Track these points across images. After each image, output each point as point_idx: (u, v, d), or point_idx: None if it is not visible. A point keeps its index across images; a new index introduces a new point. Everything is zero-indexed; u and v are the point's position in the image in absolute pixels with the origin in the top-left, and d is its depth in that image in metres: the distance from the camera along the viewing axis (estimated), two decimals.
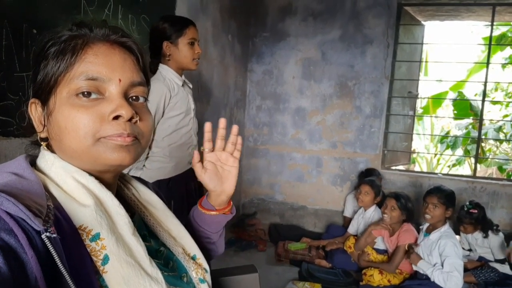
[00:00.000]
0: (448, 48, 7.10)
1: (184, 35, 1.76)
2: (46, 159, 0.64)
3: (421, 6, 3.66)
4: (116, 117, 0.62)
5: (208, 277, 0.78)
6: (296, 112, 3.93)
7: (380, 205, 2.99)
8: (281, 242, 3.37)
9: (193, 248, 0.79)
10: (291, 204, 4.03)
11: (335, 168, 3.88)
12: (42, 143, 0.66)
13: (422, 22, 3.99)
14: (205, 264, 0.79)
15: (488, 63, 3.77)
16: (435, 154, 6.82)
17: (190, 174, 1.95)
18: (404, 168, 4.59)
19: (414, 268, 2.63)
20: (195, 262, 0.78)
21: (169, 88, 1.72)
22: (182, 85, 1.84)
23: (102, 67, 0.62)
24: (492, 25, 3.70)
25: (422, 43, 4.05)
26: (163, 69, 1.76)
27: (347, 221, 3.44)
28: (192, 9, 2.58)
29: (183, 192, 1.87)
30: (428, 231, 2.65)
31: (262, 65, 3.97)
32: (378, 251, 2.89)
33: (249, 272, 1.24)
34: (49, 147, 0.66)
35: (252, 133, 4.09)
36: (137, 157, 0.66)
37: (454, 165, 6.80)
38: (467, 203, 2.92)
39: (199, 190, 2.09)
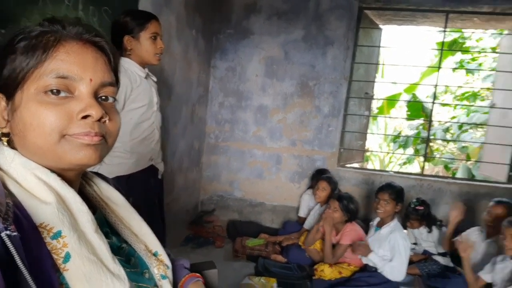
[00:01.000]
0: (404, 52, 7.45)
1: (146, 30, 1.75)
2: (6, 155, 0.63)
3: (380, 10, 3.82)
4: (85, 117, 0.62)
5: (169, 273, 0.80)
6: (258, 109, 3.99)
7: None
8: (239, 238, 3.41)
9: (155, 245, 0.80)
10: (249, 201, 4.09)
11: (293, 165, 3.98)
12: (2, 138, 0.65)
13: (380, 26, 4.18)
14: (166, 261, 0.80)
15: (439, 67, 4.02)
16: (387, 153, 7.17)
17: (151, 171, 1.94)
18: (358, 166, 4.79)
19: (364, 261, 2.79)
20: (157, 258, 0.79)
21: (130, 79, 1.70)
22: (146, 77, 1.82)
23: (73, 65, 0.62)
24: (445, 31, 3.94)
25: (379, 46, 4.24)
26: (125, 62, 1.74)
27: (302, 221, 3.56)
28: (156, 3, 2.55)
29: (142, 190, 1.85)
30: (379, 226, 2.81)
31: (225, 61, 3.98)
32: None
33: (208, 268, 1.27)
34: (10, 143, 0.65)
35: (213, 130, 4.10)
36: (103, 157, 0.67)
37: (404, 163, 7.19)
38: (414, 200, 3.13)
39: (160, 188, 2.08)
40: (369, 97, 4.25)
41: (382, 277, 2.62)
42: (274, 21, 3.85)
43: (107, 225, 0.76)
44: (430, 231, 3.10)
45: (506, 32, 4.35)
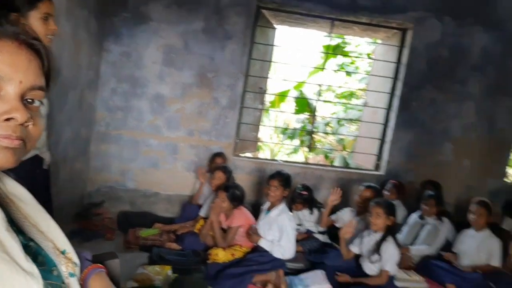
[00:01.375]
0: (294, 52, 8.03)
1: (37, 9, 1.60)
2: None
3: (276, 11, 4.06)
4: (8, 119, 0.60)
5: (77, 270, 0.80)
6: (154, 98, 3.91)
7: None
8: (132, 230, 3.31)
9: (63, 243, 0.79)
10: (143, 191, 4.01)
11: (190, 155, 4.03)
12: None
13: (275, 26, 4.46)
14: (75, 258, 0.80)
15: (323, 68, 4.48)
16: (276, 144, 7.70)
17: (35, 161, 1.80)
18: (251, 156, 5.07)
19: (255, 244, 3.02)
20: (65, 256, 0.78)
21: None
22: None
23: (4, 65, 0.60)
24: (330, 36, 4.41)
25: (273, 45, 4.52)
26: None
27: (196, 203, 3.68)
28: None
29: (27, 181, 1.71)
30: (269, 209, 3.06)
31: (120, 46, 3.79)
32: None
33: (110, 258, 1.28)
34: None
35: (104, 117, 3.88)
36: (19, 161, 0.64)
37: (291, 153, 7.83)
38: (299, 186, 3.49)
39: (46, 179, 1.94)
40: (262, 92, 4.52)
41: (271, 256, 2.87)
42: (174, 9, 3.80)
43: (13, 223, 0.73)
44: (311, 212, 3.50)
45: (379, 41, 5.05)
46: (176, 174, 4.04)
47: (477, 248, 3.12)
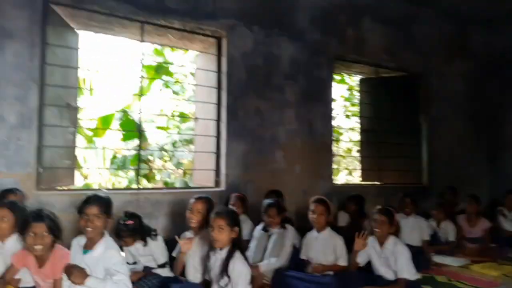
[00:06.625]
0: (112, 68, 7.22)
1: None
2: None
3: (70, 7, 3.47)
4: None
5: None
6: None
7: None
8: None
9: None
10: None
11: None
12: None
13: (76, 30, 3.80)
14: None
15: (141, 94, 4.00)
16: (99, 169, 6.69)
17: None
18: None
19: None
20: None
21: None
22: None
23: None
24: (142, 41, 3.95)
25: (73, 48, 3.78)
26: None
27: None
28: None
29: None
30: (88, 247, 2.31)
31: None
32: None
33: None
34: None
35: None
36: None
37: (127, 186, 6.94)
38: (123, 215, 2.84)
39: None
40: (71, 107, 3.69)
41: None
42: None
43: None
44: (145, 244, 2.88)
45: (197, 52, 4.85)
46: None
47: (322, 249, 3.09)
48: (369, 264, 3.06)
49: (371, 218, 3.06)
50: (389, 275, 2.90)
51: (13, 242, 2.38)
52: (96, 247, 2.28)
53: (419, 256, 3.25)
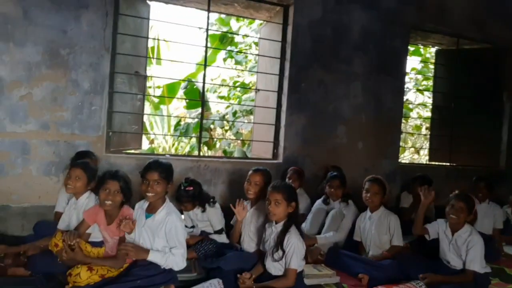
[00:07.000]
0: (179, 37, 7.42)
1: None
2: None
3: None
4: None
5: None
6: None
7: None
8: None
9: None
10: None
11: (47, 154, 3.20)
12: None
13: (147, 1, 3.85)
14: None
15: (205, 65, 4.01)
16: (164, 135, 7.00)
17: None
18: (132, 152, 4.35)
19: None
20: None
21: None
22: None
23: None
24: (209, 11, 3.92)
25: (143, 18, 3.85)
26: None
27: (59, 218, 2.81)
28: None
29: None
30: (150, 212, 2.41)
31: None
32: (94, 244, 2.46)
33: None
34: None
35: None
36: None
37: (189, 152, 7.23)
38: (183, 181, 2.93)
39: None
40: (140, 76, 3.84)
41: (159, 268, 2.26)
42: None
43: None
44: (204, 210, 2.97)
45: (260, 21, 4.74)
46: (30, 180, 3.18)
47: (376, 229, 2.96)
48: (431, 250, 2.88)
49: (448, 203, 2.80)
50: (456, 263, 2.68)
51: (85, 200, 2.59)
52: (158, 212, 2.36)
53: (489, 245, 2.98)
